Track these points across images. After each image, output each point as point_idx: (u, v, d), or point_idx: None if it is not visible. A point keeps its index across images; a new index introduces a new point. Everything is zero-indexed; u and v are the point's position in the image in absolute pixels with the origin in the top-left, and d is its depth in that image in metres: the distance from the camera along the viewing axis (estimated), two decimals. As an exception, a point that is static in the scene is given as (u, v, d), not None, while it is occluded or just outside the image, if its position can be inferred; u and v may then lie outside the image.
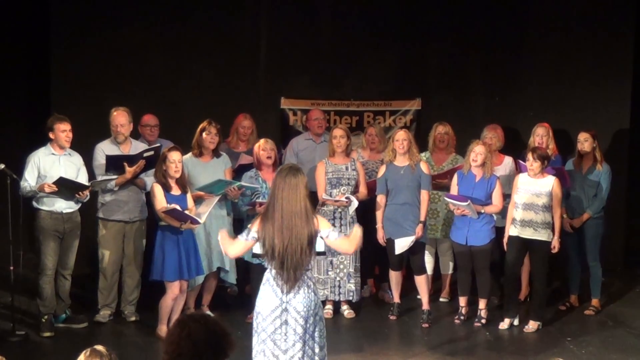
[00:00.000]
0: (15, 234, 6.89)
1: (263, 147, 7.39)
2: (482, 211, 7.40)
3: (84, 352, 3.53)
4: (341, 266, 7.63)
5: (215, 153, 7.57)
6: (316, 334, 4.96)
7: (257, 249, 5.19)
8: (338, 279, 7.64)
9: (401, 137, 7.49)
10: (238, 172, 7.80)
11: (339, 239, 4.98)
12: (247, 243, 4.97)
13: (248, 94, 9.33)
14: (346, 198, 7.49)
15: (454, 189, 7.55)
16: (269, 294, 4.90)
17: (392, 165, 7.56)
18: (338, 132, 7.72)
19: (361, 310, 7.88)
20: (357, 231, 5.06)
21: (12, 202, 6.89)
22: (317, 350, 4.96)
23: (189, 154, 7.45)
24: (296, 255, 4.81)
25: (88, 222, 7.54)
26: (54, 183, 6.89)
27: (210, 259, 7.44)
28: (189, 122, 7.77)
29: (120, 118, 7.40)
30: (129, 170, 7.23)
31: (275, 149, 7.52)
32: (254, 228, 4.91)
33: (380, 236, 7.56)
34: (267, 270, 4.96)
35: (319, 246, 5.03)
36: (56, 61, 9.09)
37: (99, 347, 3.55)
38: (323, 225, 4.94)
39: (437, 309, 8.02)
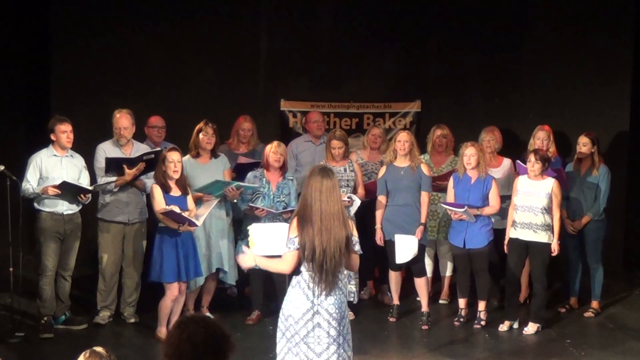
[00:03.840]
0: (14, 236, 6.89)
1: (274, 151, 7.38)
2: (479, 212, 7.41)
3: (83, 353, 3.52)
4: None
5: (213, 154, 7.56)
6: (348, 336, 4.92)
7: (258, 251, 5.16)
8: (338, 280, 7.63)
9: (403, 139, 7.49)
10: (236, 171, 7.80)
11: (356, 255, 4.89)
12: (294, 253, 4.78)
13: (248, 96, 9.33)
14: (348, 198, 7.49)
15: (451, 193, 7.56)
16: (300, 296, 4.80)
17: (392, 166, 7.56)
18: (336, 143, 7.65)
19: (361, 312, 7.88)
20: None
21: (11, 204, 6.90)
22: (349, 352, 4.93)
23: (187, 156, 7.44)
24: (335, 257, 4.73)
25: (89, 224, 7.54)
26: (57, 187, 6.90)
27: (210, 261, 7.44)
28: (189, 124, 7.77)
29: (123, 121, 7.39)
30: (129, 173, 7.22)
31: (285, 153, 7.52)
32: (293, 234, 4.79)
33: (379, 237, 7.56)
34: (297, 274, 4.85)
35: None
36: (56, 62, 9.10)
37: (99, 349, 3.55)
38: (355, 233, 4.90)
39: (437, 311, 8.02)
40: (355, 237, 4.88)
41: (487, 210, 7.44)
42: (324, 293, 4.78)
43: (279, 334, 4.91)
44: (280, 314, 4.92)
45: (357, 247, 4.90)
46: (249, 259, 5.01)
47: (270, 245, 5.07)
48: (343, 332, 4.87)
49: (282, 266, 4.89)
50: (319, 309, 4.80)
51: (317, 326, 4.80)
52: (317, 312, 4.80)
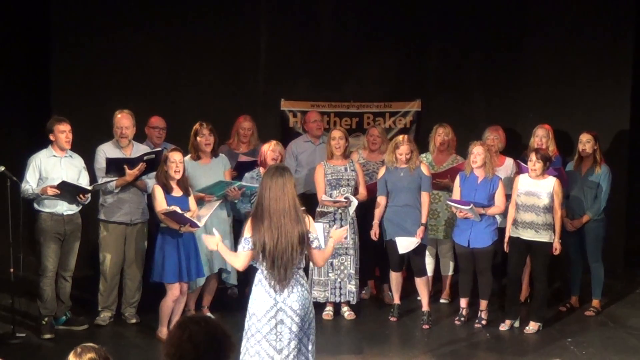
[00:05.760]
0: (15, 236, 6.90)
1: (272, 149, 7.40)
2: (484, 212, 7.40)
3: (73, 350, 3.50)
4: (342, 267, 7.63)
5: (214, 154, 7.56)
6: (310, 331, 4.99)
7: None
8: (339, 280, 7.63)
9: (404, 151, 7.43)
10: (237, 169, 7.80)
11: (316, 250, 4.97)
12: (248, 252, 4.92)
13: (248, 95, 9.33)
14: (345, 198, 7.49)
15: (457, 191, 7.55)
16: (262, 294, 4.90)
17: (391, 167, 7.55)
18: (337, 133, 7.72)
19: (361, 311, 7.88)
20: (329, 249, 5.09)
21: (12, 205, 6.89)
22: (309, 347, 5.00)
23: (187, 157, 7.43)
24: (287, 253, 4.81)
25: (89, 224, 7.54)
26: (57, 187, 6.90)
27: (212, 261, 7.44)
28: (189, 124, 7.77)
29: (124, 121, 7.39)
30: (130, 173, 7.22)
31: (283, 152, 7.53)
32: (247, 234, 4.91)
33: (374, 232, 7.55)
34: (259, 272, 4.96)
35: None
36: (56, 63, 9.09)
37: (89, 344, 3.54)
38: (313, 229, 4.96)
39: (438, 310, 8.02)
40: (313, 234, 4.92)
41: (492, 210, 7.44)
42: (285, 289, 4.85)
43: (243, 334, 4.99)
44: (247, 313, 5.01)
45: (315, 244, 4.95)
46: (212, 242, 5.11)
47: None
48: (305, 328, 4.93)
49: (236, 263, 5.01)
50: (282, 305, 4.87)
51: (280, 323, 4.88)
52: (281, 309, 4.88)
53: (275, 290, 4.87)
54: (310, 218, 5.03)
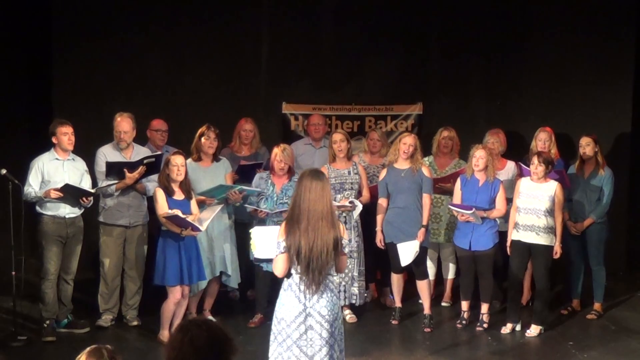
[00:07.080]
0: (17, 239, 6.90)
1: (279, 159, 7.37)
2: (485, 215, 7.40)
3: (86, 350, 3.51)
4: (346, 270, 7.61)
5: (215, 157, 7.57)
6: (340, 337, 4.94)
7: (259, 254, 5.18)
8: (343, 283, 7.62)
9: (408, 142, 7.47)
10: (239, 173, 7.80)
11: (345, 257, 4.94)
12: (283, 256, 4.81)
13: (250, 99, 9.35)
14: (350, 202, 7.49)
15: (457, 194, 7.55)
16: (292, 300, 4.83)
17: (392, 168, 7.55)
18: (338, 136, 7.71)
19: (363, 314, 7.88)
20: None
21: (13, 207, 6.89)
22: (338, 353, 4.94)
23: (189, 159, 7.44)
24: (322, 256, 4.73)
25: (90, 227, 7.55)
26: (60, 189, 6.90)
27: (213, 264, 7.44)
28: (191, 127, 7.79)
29: (124, 124, 7.40)
30: (129, 176, 7.23)
31: (290, 158, 7.46)
32: (281, 237, 4.82)
33: (379, 239, 7.55)
34: (289, 277, 4.88)
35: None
36: (58, 66, 9.11)
37: (103, 348, 3.53)
38: (345, 235, 4.93)
39: (439, 313, 8.02)
40: (345, 240, 4.89)
41: (493, 214, 7.44)
42: (315, 295, 4.79)
43: (271, 337, 4.94)
44: (274, 317, 4.94)
45: (347, 250, 4.93)
46: None
47: (271, 248, 5.07)
48: (335, 334, 4.88)
49: (275, 270, 4.91)
50: (311, 311, 4.82)
51: (309, 328, 4.82)
52: (309, 314, 4.82)
53: (306, 295, 4.80)
54: (343, 224, 4.99)
